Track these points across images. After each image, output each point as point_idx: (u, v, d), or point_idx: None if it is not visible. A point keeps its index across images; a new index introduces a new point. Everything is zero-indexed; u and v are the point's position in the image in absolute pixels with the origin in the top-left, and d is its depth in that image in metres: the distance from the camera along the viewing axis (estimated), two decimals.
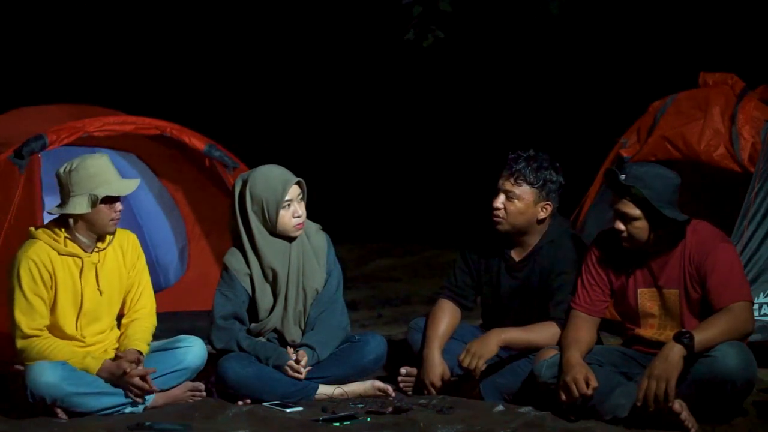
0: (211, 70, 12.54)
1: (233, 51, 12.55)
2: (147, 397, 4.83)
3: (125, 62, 12.39)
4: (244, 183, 5.08)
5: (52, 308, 4.80)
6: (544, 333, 4.87)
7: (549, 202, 4.98)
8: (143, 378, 4.75)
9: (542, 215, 4.99)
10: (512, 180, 4.94)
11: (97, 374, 4.73)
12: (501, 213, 4.97)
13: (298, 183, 5.09)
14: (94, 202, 4.74)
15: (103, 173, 4.78)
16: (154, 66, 12.48)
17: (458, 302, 5.23)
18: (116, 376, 4.73)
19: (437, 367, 5.05)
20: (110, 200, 4.79)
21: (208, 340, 5.07)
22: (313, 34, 12.43)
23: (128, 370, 4.72)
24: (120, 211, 4.85)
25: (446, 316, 5.19)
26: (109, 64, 12.34)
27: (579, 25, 10.78)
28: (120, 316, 5.03)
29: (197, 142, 6.21)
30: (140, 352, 4.83)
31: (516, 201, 4.94)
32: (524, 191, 4.94)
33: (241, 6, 12.45)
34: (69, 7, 12.21)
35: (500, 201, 4.97)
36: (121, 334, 4.97)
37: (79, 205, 4.75)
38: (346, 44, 12.27)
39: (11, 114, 6.47)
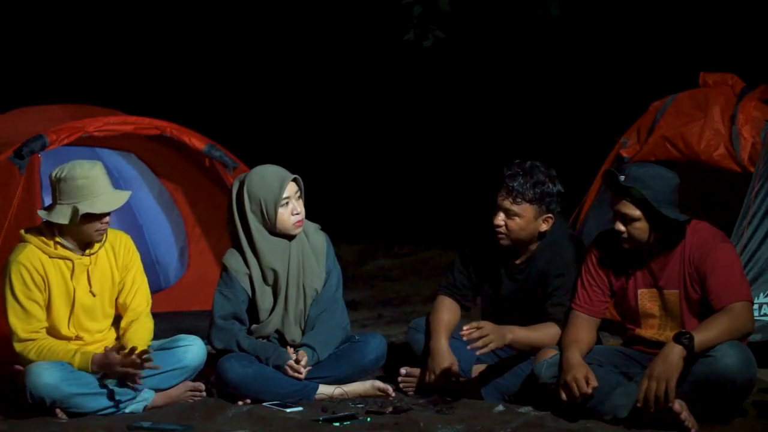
0: (211, 70, 12.54)
1: (233, 51, 12.56)
2: (147, 396, 4.83)
3: (125, 62, 12.40)
4: (241, 184, 5.09)
5: (47, 310, 4.79)
6: (546, 333, 4.86)
7: (550, 215, 4.96)
8: (134, 364, 4.70)
9: (544, 227, 4.97)
10: (511, 199, 4.89)
11: (91, 369, 4.72)
12: (503, 230, 4.94)
13: (294, 180, 5.09)
14: (76, 215, 4.70)
15: (91, 186, 4.71)
16: (154, 66, 12.48)
17: (457, 300, 5.22)
18: (107, 366, 4.71)
19: (446, 355, 4.99)
20: (95, 214, 4.73)
21: (207, 341, 5.07)
22: (313, 34, 12.43)
23: (114, 359, 4.68)
24: (107, 222, 4.80)
25: (448, 310, 5.16)
26: (109, 64, 12.34)
27: (579, 26, 10.78)
28: (118, 318, 5.03)
29: (197, 142, 6.21)
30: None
31: (517, 218, 4.91)
32: (524, 209, 4.91)
33: (241, 6, 12.45)
34: (69, 7, 12.21)
35: (501, 219, 4.94)
36: (120, 337, 4.95)
37: (63, 216, 4.72)
38: (346, 44, 12.27)
39: (11, 114, 6.47)
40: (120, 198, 4.81)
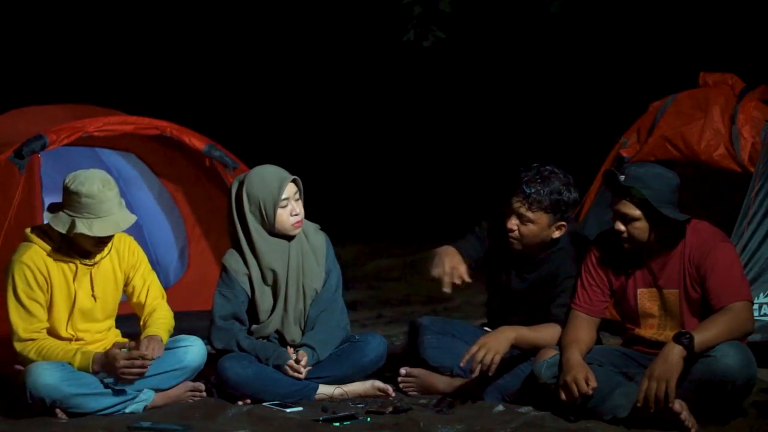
0: (211, 70, 12.54)
1: (233, 51, 12.56)
2: (147, 396, 4.83)
3: (125, 62, 12.40)
4: (241, 184, 5.08)
5: (48, 311, 4.78)
6: (549, 333, 4.86)
7: (564, 223, 4.95)
8: (136, 358, 4.68)
9: (557, 234, 4.95)
10: (526, 205, 4.86)
11: (92, 368, 4.71)
12: (515, 234, 4.93)
13: (294, 181, 5.09)
14: (71, 229, 4.67)
15: (95, 206, 4.66)
16: (154, 66, 12.48)
17: (463, 255, 5.13)
18: (108, 364, 4.70)
19: (454, 253, 4.94)
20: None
21: (207, 341, 5.07)
22: (313, 34, 12.43)
23: (116, 357, 4.66)
24: (107, 240, 4.77)
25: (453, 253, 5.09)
26: (109, 64, 12.34)
27: (579, 25, 10.79)
28: (120, 318, 5.02)
29: (197, 142, 6.21)
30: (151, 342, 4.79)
31: (530, 225, 4.89)
32: (539, 216, 4.88)
33: (241, 6, 12.45)
34: (69, 7, 12.21)
35: (514, 223, 4.91)
36: (140, 331, 4.94)
37: (62, 225, 4.69)
38: (346, 44, 12.27)
39: (11, 114, 6.46)
40: (122, 222, 4.74)
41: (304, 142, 12.01)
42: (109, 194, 4.69)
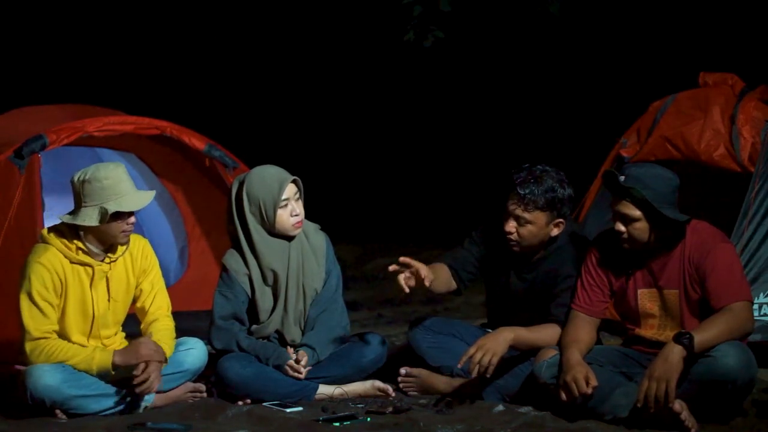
0: (210, 70, 12.55)
1: (233, 51, 12.56)
2: (147, 397, 4.82)
3: (125, 62, 12.40)
4: (241, 184, 5.08)
5: (60, 316, 4.77)
6: (548, 333, 4.85)
7: (561, 220, 4.95)
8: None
9: (556, 232, 4.95)
10: (522, 207, 4.86)
11: (114, 363, 4.69)
12: (514, 237, 4.93)
13: (294, 181, 5.09)
14: (104, 216, 4.69)
15: (116, 186, 4.70)
16: (154, 66, 12.48)
17: (455, 274, 5.19)
18: (133, 352, 4.69)
19: (424, 266, 4.99)
20: (122, 214, 4.73)
21: (207, 341, 5.07)
22: (313, 34, 12.43)
23: (144, 352, 4.68)
24: (133, 223, 4.79)
25: (439, 268, 5.14)
26: (109, 64, 12.34)
27: (579, 26, 10.79)
28: (133, 322, 5.03)
29: (197, 142, 6.21)
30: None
31: (528, 225, 4.89)
32: (536, 216, 4.88)
33: (241, 6, 12.45)
34: (69, 7, 12.21)
35: (512, 226, 4.91)
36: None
37: (89, 218, 4.69)
38: (346, 44, 12.28)
39: (11, 114, 6.47)
40: (146, 197, 4.81)
41: (304, 142, 12.01)
42: (123, 174, 4.76)
